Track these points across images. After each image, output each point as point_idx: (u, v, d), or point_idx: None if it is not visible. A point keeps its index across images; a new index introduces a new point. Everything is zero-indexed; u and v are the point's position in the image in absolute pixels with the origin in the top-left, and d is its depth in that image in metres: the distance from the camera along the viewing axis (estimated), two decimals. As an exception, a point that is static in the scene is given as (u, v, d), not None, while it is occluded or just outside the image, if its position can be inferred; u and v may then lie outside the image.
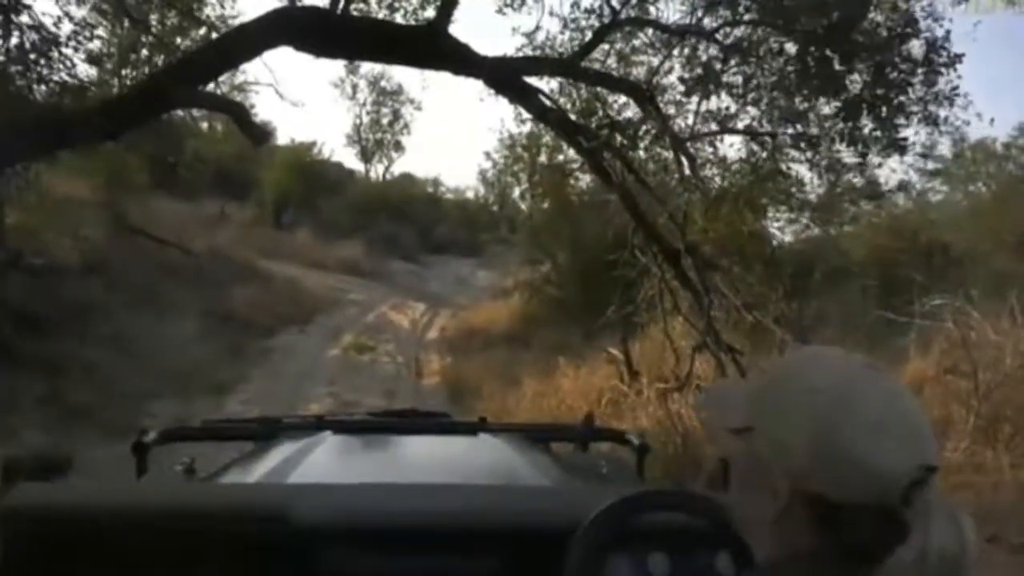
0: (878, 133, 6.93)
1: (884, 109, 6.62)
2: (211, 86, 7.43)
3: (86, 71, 9.26)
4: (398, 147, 37.47)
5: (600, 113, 7.98)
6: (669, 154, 7.25)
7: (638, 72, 8.33)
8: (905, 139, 7.05)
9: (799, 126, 7.52)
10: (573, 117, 7.78)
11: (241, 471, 2.21)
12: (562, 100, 8.04)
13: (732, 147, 9.82)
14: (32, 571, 1.52)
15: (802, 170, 8.20)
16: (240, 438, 2.75)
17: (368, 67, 35.63)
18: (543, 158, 17.71)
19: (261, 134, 8.49)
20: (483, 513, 1.64)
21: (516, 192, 24.79)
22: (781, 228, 10.43)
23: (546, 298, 15.23)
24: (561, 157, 12.46)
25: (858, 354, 0.99)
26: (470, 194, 36.68)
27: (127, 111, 5.63)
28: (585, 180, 12.40)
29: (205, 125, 26.81)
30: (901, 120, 6.84)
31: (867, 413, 0.90)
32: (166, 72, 6.05)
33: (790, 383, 0.97)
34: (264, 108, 49.07)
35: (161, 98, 5.51)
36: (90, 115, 5.74)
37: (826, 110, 7.26)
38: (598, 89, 8.02)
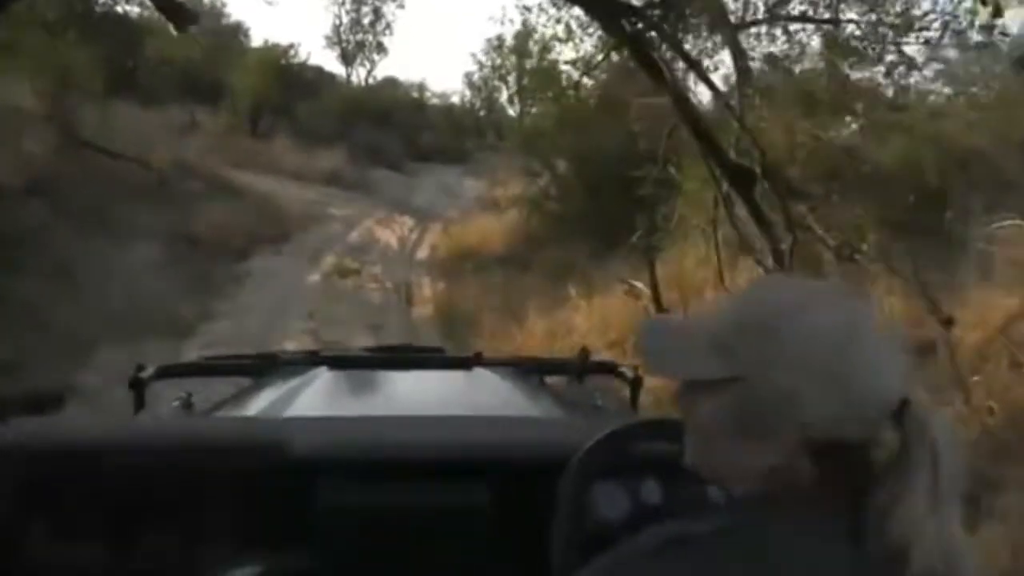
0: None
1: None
2: None
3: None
4: (380, 49, 35.73)
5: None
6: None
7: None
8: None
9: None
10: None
11: (239, 406, 2.22)
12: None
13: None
14: (30, 506, 1.50)
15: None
16: (237, 374, 2.68)
17: (345, -38, 33.71)
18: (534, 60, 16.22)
19: (184, 14, 7.02)
20: (478, 444, 1.65)
21: (504, 96, 23.30)
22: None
23: (546, 214, 13.92)
24: (569, 54, 10.97)
25: (839, 281, 0.65)
26: (456, 99, 35.27)
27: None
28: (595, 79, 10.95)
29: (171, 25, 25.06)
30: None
31: (869, 350, 0.85)
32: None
33: (789, 325, 0.86)
34: (236, 7, 46.45)
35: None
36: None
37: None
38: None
